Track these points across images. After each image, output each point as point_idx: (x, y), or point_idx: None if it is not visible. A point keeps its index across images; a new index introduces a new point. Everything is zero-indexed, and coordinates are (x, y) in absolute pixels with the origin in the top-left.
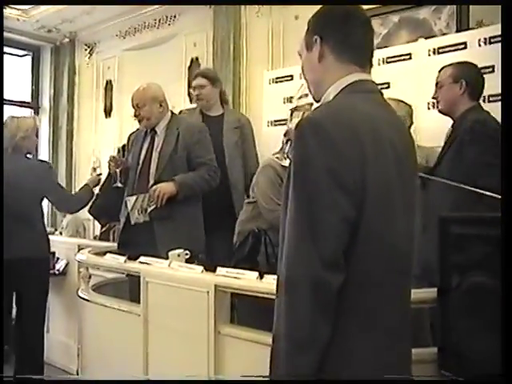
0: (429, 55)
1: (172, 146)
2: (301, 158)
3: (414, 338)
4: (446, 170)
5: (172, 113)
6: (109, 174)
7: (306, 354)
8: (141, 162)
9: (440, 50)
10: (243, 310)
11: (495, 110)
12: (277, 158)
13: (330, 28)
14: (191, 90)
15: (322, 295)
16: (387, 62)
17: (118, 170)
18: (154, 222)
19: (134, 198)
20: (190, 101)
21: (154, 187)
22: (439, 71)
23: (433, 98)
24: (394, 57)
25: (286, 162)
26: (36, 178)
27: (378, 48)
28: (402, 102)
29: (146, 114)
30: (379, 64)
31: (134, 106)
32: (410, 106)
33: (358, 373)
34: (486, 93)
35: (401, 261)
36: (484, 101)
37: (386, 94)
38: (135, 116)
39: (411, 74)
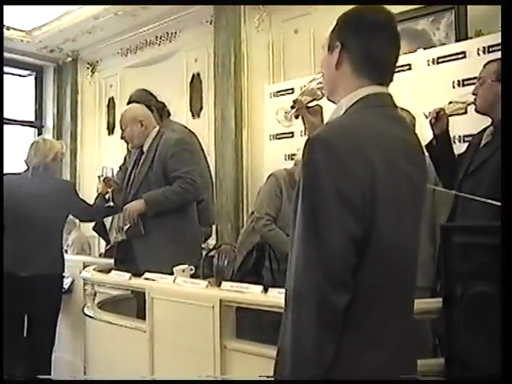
0: (428, 65)
1: (148, 164)
2: (309, 177)
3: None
4: (490, 177)
5: (159, 130)
6: (99, 193)
7: (310, 371)
8: (129, 181)
9: (439, 60)
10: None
11: None
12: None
13: (354, 39)
14: None
15: (328, 315)
16: None
17: (109, 190)
18: (132, 239)
19: (111, 218)
20: (193, 116)
21: (125, 206)
22: (484, 65)
23: (472, 93)
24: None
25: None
26: (63, 195)
27: None
28: (405, 110)
29: (128, 136)
30: None
31: (121, 129)
32: (413, 116)
33: None
34: None
35: (407, 276)
36: None
37: None
38: (121, 138)
39: (411, 85)
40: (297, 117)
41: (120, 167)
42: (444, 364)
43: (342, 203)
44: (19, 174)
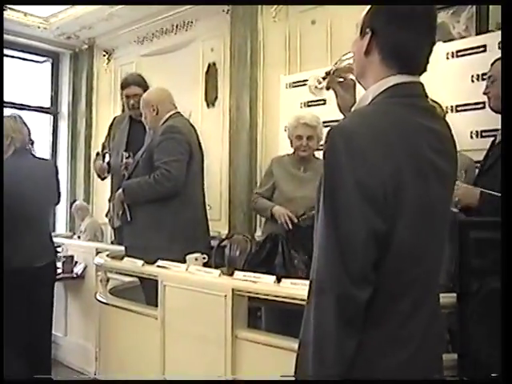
0: (447, 59)
1: (142, 151)
2: (330, 169)
3: None
4: None
5: (169, 116)
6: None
7: (332, 368)
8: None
9: (459, 54)
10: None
11: None
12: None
13: (385, 28)
14: (125, 99)
15: (348, 309)
16: None
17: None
18: (123, 226)
19: (111, 204)
20: (208, 106)
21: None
22: (491, 64)
23: (484, 93)
24: None
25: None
26: (50, 176)
27: None
28: (435, 102)
29: (145, 117)
30: None
31: None
32: (441, 107)
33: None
34: None
35: (430, 274)
36: None
37: None
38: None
39: (428, 78)
40: (328, 88)
41: None
42: (456, 360)
43: (362, 196)
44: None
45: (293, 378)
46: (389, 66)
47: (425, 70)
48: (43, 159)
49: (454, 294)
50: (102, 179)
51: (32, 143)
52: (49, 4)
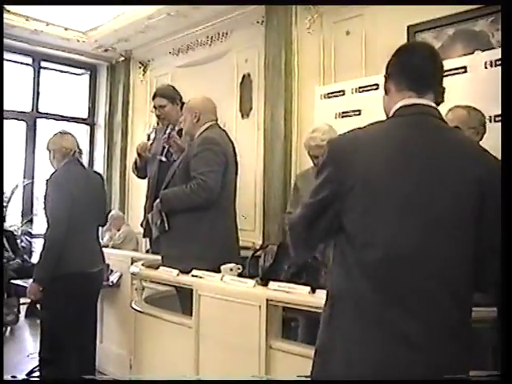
0: (485, 68)
1: (179, 161)
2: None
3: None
4: None
5: (208, 127)
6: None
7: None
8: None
9: (498, 63)
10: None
11: None
12: None
13: (392, 63)
14: (152, 110)
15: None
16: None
17: (166, 146)
18: (160, 236)
19: (150, 214)
20: (242, 116)
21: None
22: None
23: None
24: (449, 70)
25: None
26: (102, 188)
27: None
28: (473, 109)
29: (183, 122)
30: None
31: None
32: (482, 114)
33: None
34: None
35: (425, 280)
36: None
37: (445, 106)
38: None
39: (466, 88)
40: None
41: None
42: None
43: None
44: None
45: None
46: (402, 89)
47: (436, 90)
48: (94, 171)
49: (495, 308)
50: (138, 175)
51: (80, 154)
52: (49, 4)
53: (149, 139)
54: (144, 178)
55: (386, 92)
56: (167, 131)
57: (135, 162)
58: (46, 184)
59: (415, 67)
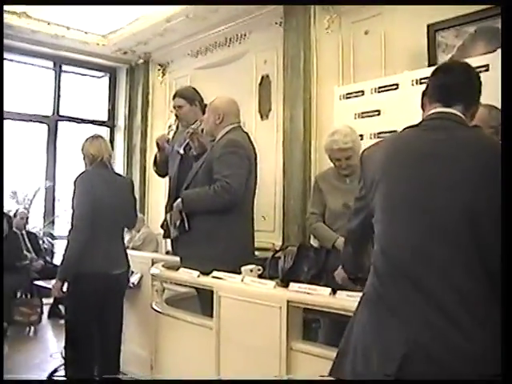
0: None
1: (201, 161)
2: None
3: None
4: None
5: (230, 129)
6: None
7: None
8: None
9: None
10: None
11: None
12: None
13: (429, 81)
14: (172, 110)
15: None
16: None
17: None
18: (179, 236)
19: (169, 214)
20: (261, 117)
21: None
22: None
23: None
24: None
25: None
26: (129, 191)
27: None
28: (495, 108)
29: (205, 121)
30: None
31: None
32: (498, 110)
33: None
34: None
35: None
36: None
37: None
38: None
39: (488, 86)
40: None
41: None
42: None
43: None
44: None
45: None
46: (432, 102)
47: (464, 100)
48: (122, 175)
49: None
50: (157, 171)
51: (109, 159)
52: (49, 4)
53: (170, 129)
54: (163, 175)
55: (423, 108)
56: (192, 126)
57: (155, 157)
58: (74, 185)
59: (446, 83)
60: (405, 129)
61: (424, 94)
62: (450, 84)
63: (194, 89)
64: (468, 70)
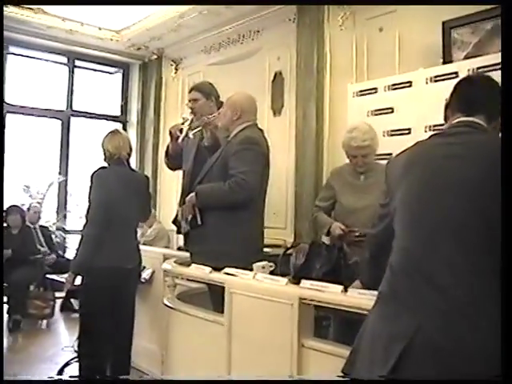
0: None
1: (216, 157)
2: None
3: None
4: None
5: (246, 126)
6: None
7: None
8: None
9: None
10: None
11: None
12: None
13: (451, 93)
14: (187, 104)
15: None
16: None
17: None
18: (191, 230)
19: (180, 208)
20: (274, 114)
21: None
22: None
23: None
24: (487, 66)
25: None
26: (144, 188)
27: (468, 58)
28: None
29: (221, 116)
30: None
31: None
32: None
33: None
34: None
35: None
36: None
37: None
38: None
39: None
40: None
41: None
42: None
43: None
44: (106, 167)
45: None
46: (454, 112)
47: (483, 110)
48: (138, 172)
49: None
50: (168, 163)
51: (127, 156)
52: (49, 4)
53: (184, 120)
54: (174, 168)
55: (446, 120)
56: (210, 116)
57: (167, 148)
58: (90, 180)
59: (469, 95)
60: (430, 137)
61: (447, 106)
62: (473, 96)
63: (211, 84)
64: (491, 83)
